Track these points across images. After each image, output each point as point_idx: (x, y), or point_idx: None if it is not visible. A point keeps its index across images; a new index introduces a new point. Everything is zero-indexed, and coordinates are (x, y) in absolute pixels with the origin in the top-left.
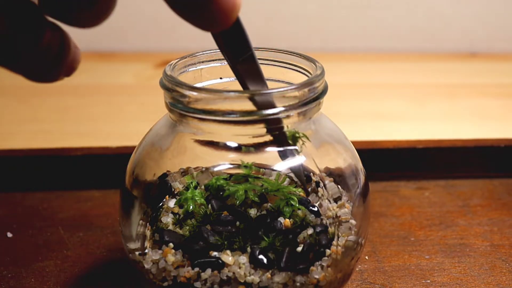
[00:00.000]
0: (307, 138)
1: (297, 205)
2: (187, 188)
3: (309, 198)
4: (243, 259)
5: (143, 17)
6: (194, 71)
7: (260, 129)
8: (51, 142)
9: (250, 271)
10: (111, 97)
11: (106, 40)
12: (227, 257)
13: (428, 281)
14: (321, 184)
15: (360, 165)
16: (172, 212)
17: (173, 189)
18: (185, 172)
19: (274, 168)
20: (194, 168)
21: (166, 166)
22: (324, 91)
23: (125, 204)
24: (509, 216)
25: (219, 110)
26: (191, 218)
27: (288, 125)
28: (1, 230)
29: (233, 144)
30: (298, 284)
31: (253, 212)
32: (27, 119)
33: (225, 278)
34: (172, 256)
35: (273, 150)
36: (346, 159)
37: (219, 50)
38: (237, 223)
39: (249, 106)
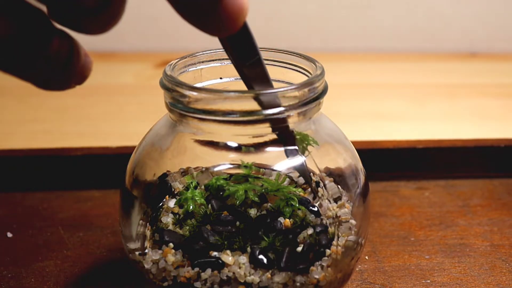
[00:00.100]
0: (315, 142)
1: (297, 205)
2: (187, 188)
3: (309, 198)
4: (243, 259)
5: (143, 17)
6: (194, 71)
7: (260, 129)
8: (51, 142)
9: (250, 271)
10: (111, 97)
11: (106, 40)
12: (227, 257)
13: (428, 281)
14: (321, 184)
15: (360, 165)
16: (172, 212)
17: (173, 189)
18: (185, 172)
19: (274, 168)
20: (194, 168)
21: (166, 166)
22: (324, 91)
23: (125, 204)
24: (509, 216)
25: (219, 110)
26: (191, 218)
27: (288, 125)
28: (1, 230)
29: (233, 144)
30: (298, 284)
31: (253, 212)
32: (27, 119)
33: (225, 278)
34: (172, 256)
35: (273, 150)
36: (346, 159)
37: (219, 50)
38: (237, 223)
39: (249, 106)
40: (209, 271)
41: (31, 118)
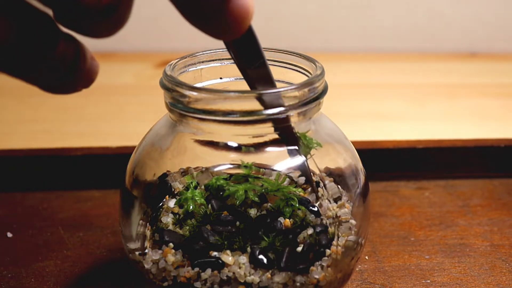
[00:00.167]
0: (319, 144)
1: (297, 205)
2: (187, 188)
3: (309, 198)
4: (243, 259)
5: (143, 17)
6: (194, 71)
7: (260, 129)
8: (51, 142)
9: (250, 271)
10: (111, 97)
11: (106, 40)
12: (227, 257)
13: (428, 281)
14: (321, 184)
15: (360, 165)
16: (172, 212)
17: (173, 189)
18: (185, 172)
19: (274, 168)
20: (194, 168)
21: (166, 166)
22: (324, 91)
23: (125, 204)
24: (509, 216)
25: (219, 110)
26: (191, 218)
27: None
28: (1, 230)
29: (233, 144)
30: (298, 284)
31: (253, 212)
32: (27, 119)
33: (225, 278)
34: (172, 256)
35: (273, 150)
36: (346, 159)
37: (219, 50)
38: (237, 223)
39: (249, 106)
40: (209, 271)
41: (31, 118)
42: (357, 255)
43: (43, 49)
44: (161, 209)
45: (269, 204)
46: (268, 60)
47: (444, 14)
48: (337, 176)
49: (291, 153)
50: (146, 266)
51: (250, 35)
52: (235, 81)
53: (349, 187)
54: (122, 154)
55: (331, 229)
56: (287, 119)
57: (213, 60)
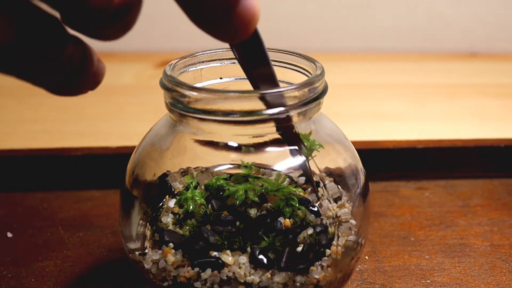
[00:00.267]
0: (321, 145)
1: (297, 205)
2: (187, 188)
3: (309, 198)
4: (243, 259)
5: (143, 17)
6: (194, 71)
7: (260, 129)
8: (51, 142)
9: (250, 271)
10: (111, 97)
11: None
12: (227, 257)
13: (428, 281)
14: (321, 184)
15: (360, 165)
16: (172, 212)
17: (173, 189)
18: (185, 172)
19: (274, 168)
20: (194, 168)
21: (166, 166)
22: (324, 91)
23: (125, 204)
24: (509, 216)
25: (219, 110)
26: (191, 218)
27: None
28: (1, 230)
29: (233, 144)
30: (298, 284)
31: (253, 212)
32: (27, 119)
33: (225, 278)
34: (172, 256)
35: (273, 150)
36: (346, 159)
37: (219, 50)
38: (237, 223)
39: (249, 106)
40: (209, 271)
41: (31, 118)
42: (357, 255)
43: (51, 52)
44: (161, 209)
45: (269, 204)
46: None
47: (444, 14)
48: (337, 176)
49: (293, 153)
50: (146, 266)
51: (255, 36)
52: (235, 81)
53: (349, 187)
54: (122, 154)
55: (331, 229)
56: (289, 119)
57: (213, 60)
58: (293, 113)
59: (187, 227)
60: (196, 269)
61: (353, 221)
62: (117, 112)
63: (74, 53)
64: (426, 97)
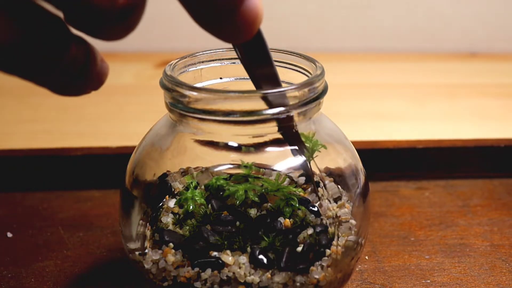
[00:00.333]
0: (324, 146)
1: (297, 205)
2: (187, 188)
3: (309, 198)
4: (243, 259)
5: (143, 17)
6: (194, 71)
7: (260, 129)
8: (51, 142)
9: (250, 271)
10: (111, 97)
11: None
12: (227, 257)
13: (428, 281)
14: (321, 184)
15: (360, 165)
16: (172, 212)
17: (173, 189)
18: (185, 172)
19: (274, 168)
20: (194, 168)
21: (166, 166)
22: (324, 91)
23: (125, 204)
24: (509, 216)
25: (219, 110)
26: (191, 218)
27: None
28: (1, 230)
29: (233, 144)
30: (298, 284)
31: (253, 212)
32: (27, 119)
33: (225, 278)
34: (172, 256)
35: (273, 150)
36: (346, 159)
37: (219, 50)
38: (237, 223)
39: (249, 106)
40: (209, 271)
41: (31, 118)
42: (357, 255)
43: (54, 52)
44: (161, 209)
45: (269, 204)
46: None
47: (444, 14)
48: (337, 176)
49: (294, 153)
50: (146, 266)
51: (258, 36)
52: (235, 81)
53: (349, 187)
54: (122, 154)
55: (331, 229)
56: (290, 119)
57: (213, 60)
58: (293, 113)
59: (187, 227)
60: (196, 269)
61: (353, 221)
62: (117, 112)
63: (78, 53)
64: (426, 97)
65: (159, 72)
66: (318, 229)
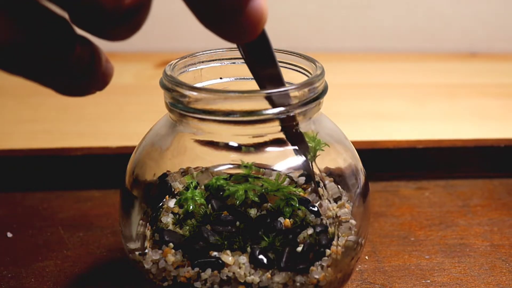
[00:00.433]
0: (327, 145)
1: (297, 205)
2: (187, 188)
3: (309, 198)
4: (243, 259)
5: None
6: (194, 71)
7: (260, 129)
8: (51, 142)
9: (250, 271)
10: (111, 97)
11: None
12: (227, 257)
13: (428, 281)
14: (321, 184)
15: (360, 165)
16: (172, 212)
17: (173, 189)
18: (185, 172)
19: (274, 168)
20: (194, 168)
21: (166, 166)
22: (324, 91)
23: (125, 204)
24: (509, 216)
25: (219, 110)
26: (191, 218)
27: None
28: (1, 230)
29: (233, 144)
30: (298, 284)
31: (253, 212)
32: (27, 119)
33: (225, 278)
34: (172, 256)
35: (273, 150)
36: (346, 159)
37: (219, 50)
38: (237, 223)
39: (249, 106)
40: (209, 271)
41: (31, 118)
42: (357, 255)
43: (59, 52)
44: (161, 209)
45: (269, 204)
46: None
47: (444, 14)
48: (337, 176)
49: (296, 152)
50: (146, 266)
51: (262, 37)
52: (235, 81)
53: (349, 187)
54: (122, 154)
55: (331, 229)
56: (293, 118)
57: (213, 60)
58: (293, 113)
59: (187, 227)
60: (196, 269)
61: (353, 221)
62: (117, 112)
63: (83, 53)
64: (426, 97)
65: (159, 72)
66: (318, 229)
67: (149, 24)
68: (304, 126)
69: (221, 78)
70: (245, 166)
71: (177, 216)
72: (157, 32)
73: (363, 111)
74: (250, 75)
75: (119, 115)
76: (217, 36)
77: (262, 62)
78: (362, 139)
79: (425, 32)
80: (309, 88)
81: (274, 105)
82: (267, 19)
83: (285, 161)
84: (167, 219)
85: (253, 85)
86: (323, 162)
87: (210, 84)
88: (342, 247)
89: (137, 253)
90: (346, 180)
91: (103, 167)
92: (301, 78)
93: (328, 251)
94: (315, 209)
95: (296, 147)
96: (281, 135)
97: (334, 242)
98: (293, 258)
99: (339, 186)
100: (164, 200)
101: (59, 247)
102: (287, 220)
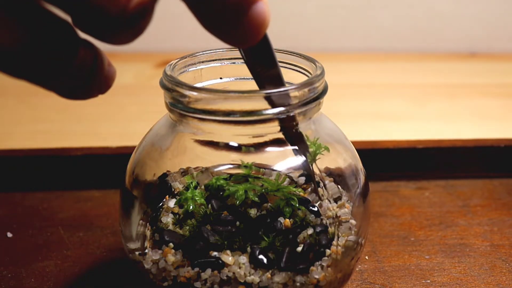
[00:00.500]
0: (326, 149)
1: (297, 205)
2: (187, 188)
3: (309, 198)
4: (243, 259)
5: None
6: (194, 71)
7: (260, 129)
8: (51, 142)
9: (250, 271)
10: (111, 97)
11: None
12: (227, 257)
13: (428, 281)
14: (321, 184)
15: (360, 165)
16: (172, 212)
17: (173, 189)
18: (185, 172)
19: (274, 168)
20: (194, 168)
21: (166, 166)
22: (324, 91)
23: (125, 204)
24: (509, 216)
25: (219, 110)
26: (191, 218)
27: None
28: (1, 230)
29: (233, 144)
30: (298, 284)
31: (253, 212)
32: (27, 119)
33: (225, 278)
34: (172, 256)
35: (273, 150)
36: (346, 159)
37: (219, 50)
38: (237, 223)
39: (249, 106)
40: (209, 271)
41: (31, 118)
42: (357, 255)
43: (62, 56)
44: (161, 209)
45: (269, 204)
46: None
47: (444, 14)
48: (337, 176)
49: (296, 153)
50: (146, 266)
51: (264, 40)
52: (235, 81)
53: (349, 187)
54: (122, 154)
55: (331, 229)
56: (292, 118)
57: (213, 60)
58: (293, 113)
59: (187, 227)
60: (196, 269)
61: (353, 221)
62: (117, 112)
63: (86, 57)
64: (426, 97)
65: (159, 72)
66: (318, 229)
67: (149, 24)
68: (304, 126)
69: (221, 78)
70: (245, 166)
71: (177, 216)
72: (157, 32)
73: (363, 111)
74: (250, 75)
75: (119, 115)
76: (220, 40)
77: (263, 63)
78: (362, 139)
79: (425, 32)
80: (309, 88)
81: (274, 105)
82: (269, 23)
83: (285, 161)
84: (167, 219)
85: (253, 85)
86: (323, 162)
87: (210, 84)
88: (342, 247)
89: (137, 253)
90: (346, 180)
91: (103, 167)
92: (301, 78)
93: (328, 251)
94: (315, 209)
95: (296, 147)
96: (281, 135)
97: (334, 242)
98: (293, 258)
99: (339, 186)
100: (164, 200)
101: (59, 247)
102: (287, 220)
